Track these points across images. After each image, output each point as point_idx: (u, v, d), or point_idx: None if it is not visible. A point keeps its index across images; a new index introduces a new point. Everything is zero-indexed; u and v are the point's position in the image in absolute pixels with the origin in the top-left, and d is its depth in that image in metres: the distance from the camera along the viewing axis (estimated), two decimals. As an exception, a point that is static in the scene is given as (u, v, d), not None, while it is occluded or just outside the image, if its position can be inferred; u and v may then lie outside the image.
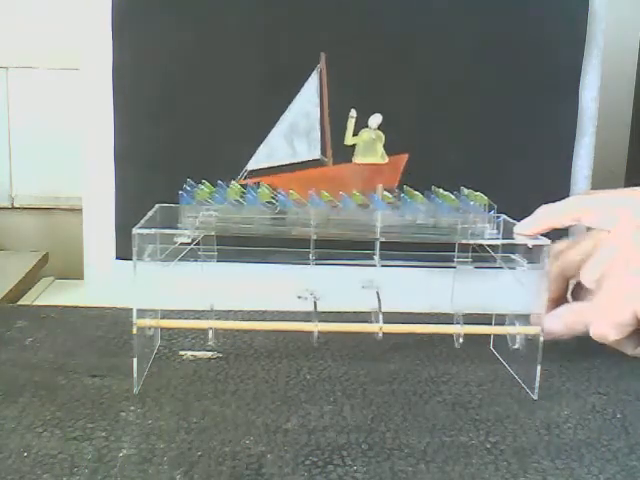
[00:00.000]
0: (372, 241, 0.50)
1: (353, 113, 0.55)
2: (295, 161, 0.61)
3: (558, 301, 0.52)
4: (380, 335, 0.50)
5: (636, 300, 0.45)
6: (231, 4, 0.66)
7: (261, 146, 0.61)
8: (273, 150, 0.61)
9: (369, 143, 0.54)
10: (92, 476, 0.37)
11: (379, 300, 0.50)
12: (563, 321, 0.51)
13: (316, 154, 0.59)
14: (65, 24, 0.80)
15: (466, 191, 0.54)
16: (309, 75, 0.65)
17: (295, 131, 0.59)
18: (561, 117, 0.69)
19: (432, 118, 0.67)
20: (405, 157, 0.54)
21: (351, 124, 0.55)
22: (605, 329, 0.46)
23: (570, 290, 0.54)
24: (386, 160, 0.54)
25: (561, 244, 0.53)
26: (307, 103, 0.58)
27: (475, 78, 0.67)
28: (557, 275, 0.52)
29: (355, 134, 0.55)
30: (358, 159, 0.55)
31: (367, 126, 0.55)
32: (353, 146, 0.55)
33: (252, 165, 0.61)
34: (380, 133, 0.54)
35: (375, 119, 0.54)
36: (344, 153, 0.57)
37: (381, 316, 0.50)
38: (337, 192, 0.52)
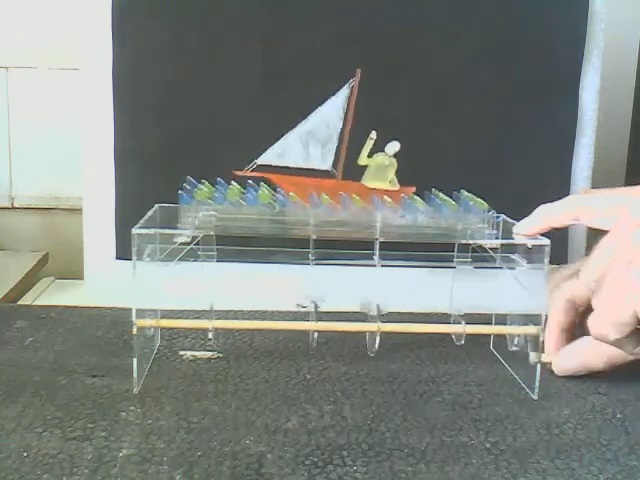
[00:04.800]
0: (372, 241, 0.50)
1: (373, 135, 0.54)
2: (305, 166, 0.60)
3: (570, 331, 0.51)
4: (376, 344, 0.50)
5: (637, 300, 0.44)
6: (231, 4, 0.66)
7: (276, 143, 0.61)
8: (286, 150, 0.61)
9: (381, 168, 0.54)
10: (92, 476, 0.37)
11: (378, 311, 0.50)
12: (579, 358, 0.50)
13: (328, 165, 0.58)
14: (65, 24, 0.80)
15: (465, 194, 0.54)
16: (309, 76, 0.65)
17: (312, 137, 0.59)
18: (561, 117, 0.69)
19: (432, 118, 0.67)
20: (412, 189, 0.54)
21: (368, 145, 0.55)
22: (605, 329, 0.46)
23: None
24: (396, 188, 0.54)
25: (564, 271, 0.52)
26: (331, 114, 0.58)
27: (475, 78, 0.67)
28: (567, 306, 0.51)
29: (370, 156, 0.55)
30: (367, 181, 0.54)
31: (383, 151, 0.54)
32: (364, 167, 0.55)
33: (262, 160, 0.61)
34: (394, 161, 0.54)
35: (392, 147, 0.54)
36: (355, 172, 0.57)
37: (379, 335, 0.50)
38: (337, 195, 0.52)
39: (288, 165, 0.62)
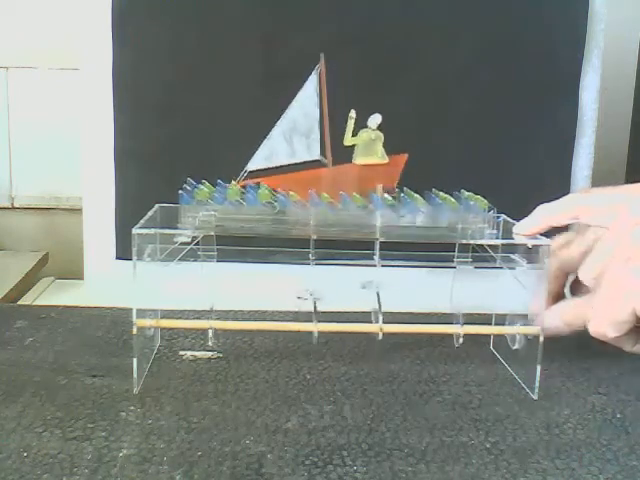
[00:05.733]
0: (372, 241, 0.50)
1: (352, 114, 0.54)
2: (294, 162, 0.60)
3: (557, 297, 0.52)
4: (380, 336, 0.50)
5: (636, 298, 0.45)
6: (231, 4, 0.66)
7: (260, 147, 0.61)
8: (273, 151, 0.61)
9: (368, 143, 0.54)
10: (92, 476, 0.37)
11: (379, 300, 0.50)
12: (562, 317, 0.50)
13: (315, 155, 0.59)
14: (65, 24, 0.80)
15: (466, 194, 0.54)
16: (309, 75, 0.65)
17: (295, 132, 0.59)
18: (561, 117, 0.69)
19: (432, 118, 0.67)
20: (405, 157, 0.54)
21: (350, 125, 0.55)
22: (604, 327, 0.46)
23: (568, 285, 0.54)
24: (386, 160, 0.54)
25: (560, 239, 0.53)
26: (306, 104, 0.58)
27: (475, 78, 0.67)
28: (556, 270, 0.52)
29: (354, 134, 0.55)
30: (358, 160, 0.54)
31: (366, 126, 0.54)
32: (353, 147, 0.55)
33: (252, 166, 0.61)
34: (379, 133, 0.54)
35: (374, 119, 0.54)
36: (344, 154, 0.57)
37: (381, 316, 0.50)
38: (337, 193, 0.52)
39: (277, 165, 0.62)
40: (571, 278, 0.54)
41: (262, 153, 0.62)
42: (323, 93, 0.57)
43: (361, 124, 0.59)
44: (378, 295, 0.50)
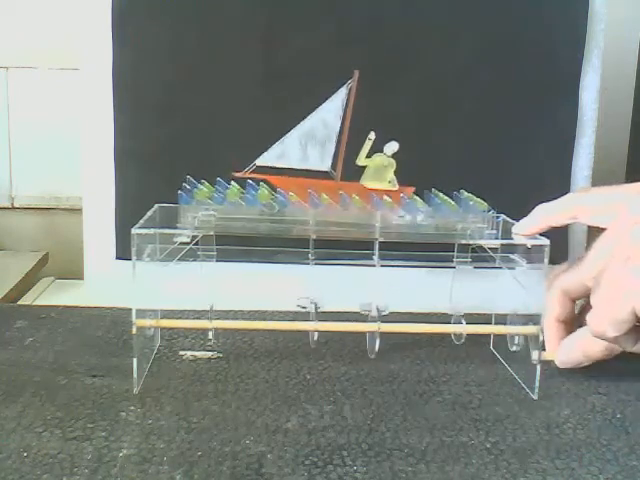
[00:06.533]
0: (372, 241, 0.50)
1: (372, 135, 0.54)
2: (304, 167, 0.60)
3: (567, 323, 0.51)
4: (376, 347, 0.50)
5: (635, 297, 0.44)
6: (231, 4, 0.66)
7: (275, 144, 0.61)
8: (285, 151, 0.61)
9: (380, 169, 0.54)
10: (92, 476, 0.37)
11: (378, 312, 0.50)
12: (580, 348, 0.50)
13: (326, 166, 0.59)
14: (65, 24, 0.80)
15: (465, 194, 0.54)
16: (309, 76, 0.65)
17: (311, 138, 0.59)
18: (561, 117, 0.69)
19: (432, 118, 0.67)
20: (412, 189, 0.54)
21: (367, 146, 0.55)
22: (603, 326, 0.46)
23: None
24: (395, 188, 0.54)
25: (561, 267, 0.52)
26: (329, 114, 0.58)
27: (475, 78, 0.67)
28: (560, 296, 0.51)
29: (369, 156, 0.55)
30: (365, 182, 0.54)
31: (382, 151, 0.55)
32: (363, 168, 0.55)
33: (261, 161, 0.61)
34: (392, 161, 0.54)
35: (391, 147, 0.54)
36: (354, 172, 0.57)
37: (379, 322, 0.50)
38: (336, 194, 0.53)
39: (287, 166, 0.62)
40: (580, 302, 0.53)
41: (275, 151, 0.62)
42: (349, 109, 0.57)
43: (357, 121, 0.58)
44: (379, 310, 0.50)
